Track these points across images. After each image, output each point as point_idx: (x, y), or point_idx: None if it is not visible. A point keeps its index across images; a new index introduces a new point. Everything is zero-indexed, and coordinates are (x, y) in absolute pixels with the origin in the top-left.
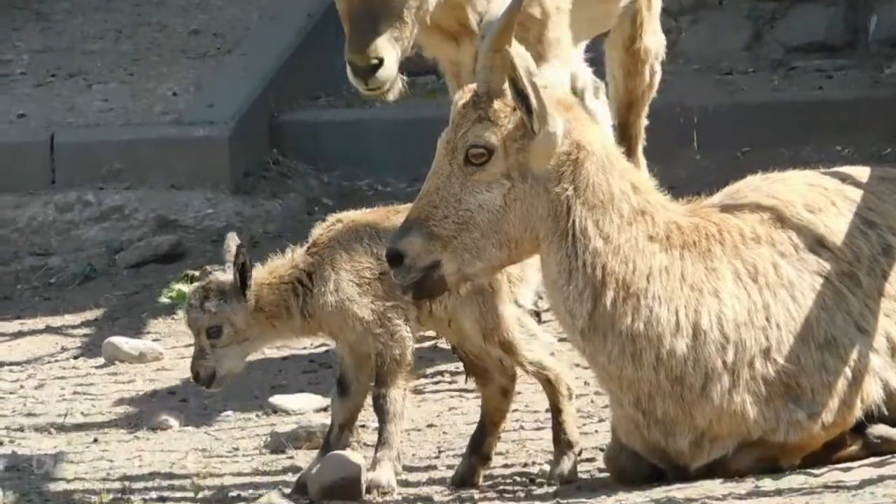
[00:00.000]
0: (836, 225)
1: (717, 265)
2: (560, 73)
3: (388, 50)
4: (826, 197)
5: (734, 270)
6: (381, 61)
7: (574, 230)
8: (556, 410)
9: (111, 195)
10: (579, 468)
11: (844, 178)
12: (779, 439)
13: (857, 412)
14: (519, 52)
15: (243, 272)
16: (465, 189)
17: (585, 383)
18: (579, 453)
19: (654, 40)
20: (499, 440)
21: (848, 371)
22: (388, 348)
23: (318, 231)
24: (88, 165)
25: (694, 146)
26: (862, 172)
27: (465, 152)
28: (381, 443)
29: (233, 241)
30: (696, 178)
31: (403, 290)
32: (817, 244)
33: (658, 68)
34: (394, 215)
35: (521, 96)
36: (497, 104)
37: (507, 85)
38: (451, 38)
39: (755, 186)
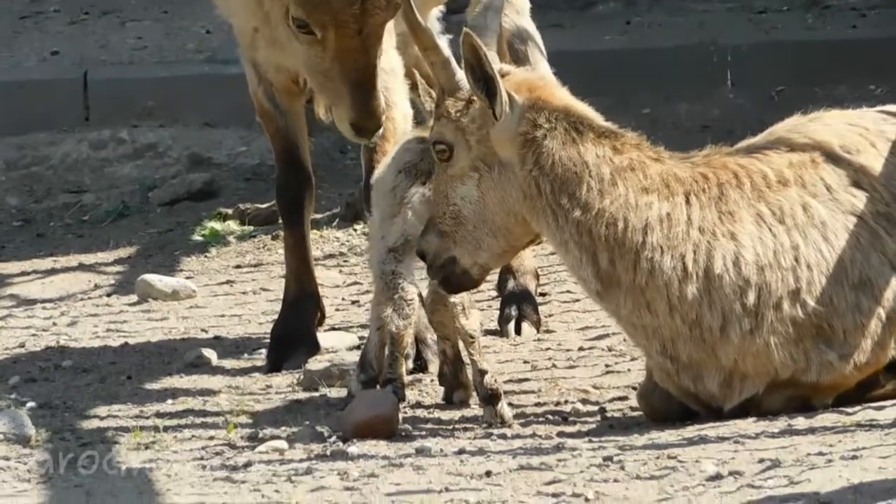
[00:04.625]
0: (874, 166)
1: (734, 208)
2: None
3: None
4: (865, 138)
5: (756, 213)
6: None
7: (551, 206)
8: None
9: (145, 133)
10: (613, 406)
11: (887, 119)
12: (810, 379)
13: (891, 352)
14: (473, 40)
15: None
16: (448, 185)
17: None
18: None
19: None
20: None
21: (881, 312)
22: None
23: None
24: (122, 103)
25: (728, 85)
26: None
27: (434, 151)
28: None
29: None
30: (730, 116)
31: (438, 283)
32: (852, 184)
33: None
34: None
35: (482, 81)
36: (449, 101)
37: (458, 78)
38: None
39: (791, 127)
